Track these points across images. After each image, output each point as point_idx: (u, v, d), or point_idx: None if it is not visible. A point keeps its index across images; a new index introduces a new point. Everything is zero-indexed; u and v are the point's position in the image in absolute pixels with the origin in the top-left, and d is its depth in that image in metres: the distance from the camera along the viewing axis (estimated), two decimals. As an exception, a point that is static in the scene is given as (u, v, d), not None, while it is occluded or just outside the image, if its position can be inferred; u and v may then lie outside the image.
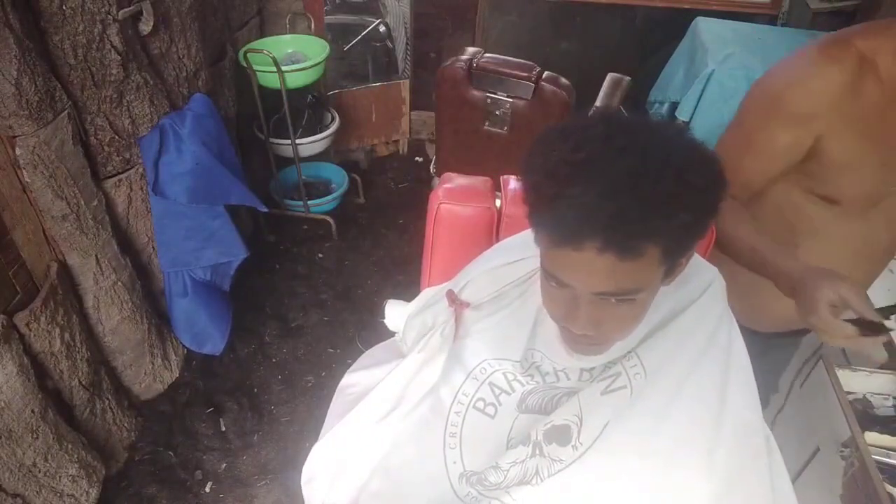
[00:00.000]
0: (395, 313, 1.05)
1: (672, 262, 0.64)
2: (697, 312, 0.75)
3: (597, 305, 0.64)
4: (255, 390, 1.97)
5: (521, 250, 0.82)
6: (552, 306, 0.70)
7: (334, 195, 2.59)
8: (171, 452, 1.77)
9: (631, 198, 0.55)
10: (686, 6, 2.63)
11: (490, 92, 1.96)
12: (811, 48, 0.87)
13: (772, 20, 2.62)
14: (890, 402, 1.22)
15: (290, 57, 2.28)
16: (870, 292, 1.23)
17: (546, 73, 1.93)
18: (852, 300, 0.73)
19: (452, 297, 0.85)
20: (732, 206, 0.96)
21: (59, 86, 1.33)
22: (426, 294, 0.99)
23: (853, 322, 0.73)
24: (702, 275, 0.77)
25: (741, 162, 0.94)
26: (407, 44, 2.88)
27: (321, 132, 2.40)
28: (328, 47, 2.29)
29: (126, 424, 1.73)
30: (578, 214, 0.57)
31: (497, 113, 1.99)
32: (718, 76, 2.05)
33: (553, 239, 0.61)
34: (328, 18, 2.73)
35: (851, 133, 0.86)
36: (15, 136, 1.25)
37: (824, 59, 0.85)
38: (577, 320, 0.65)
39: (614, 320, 0.66)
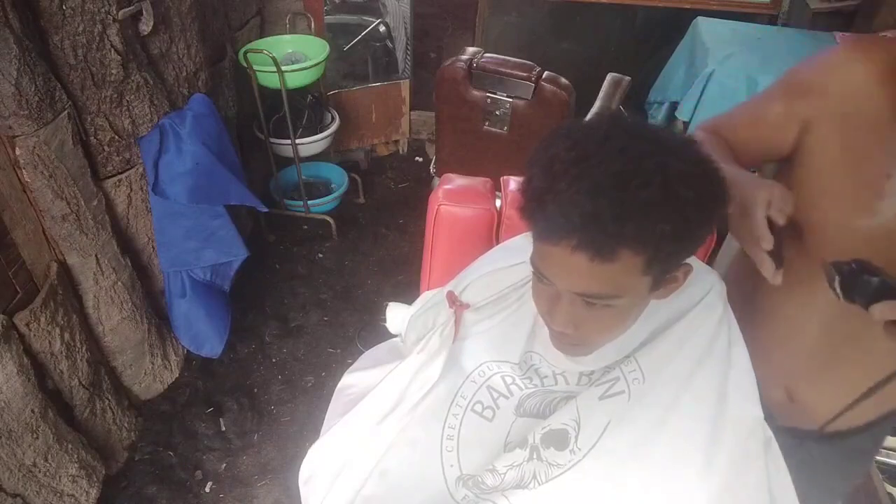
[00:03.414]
0: (397, 316, 1.05)
1: (658, 274, 0.63)
2: (697, 317, 0.75)
3: (576, 305, 0.64)
4: (255, 390, 1.97)
5: (520, 253, 0.82)
6: (537, 301, 0.71)
7: (334, 195, 2.59)
8: (171, 452, 1.77)
9: (610, 200, 0.55)
10: (686, 6, 2.63)
11: (490, 92, 1.96)
12: (848, 38, 0.83)
13: (772, 20, 2.62)
14: (890, 403, 1.22)
15: (290, 57, 2.28)
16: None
17: (546, 73, 1.93)
18: (780, 201, 0.70)
19: (452, 298, 0.85)
20: (713, 138, 0.90)
21: (59, 86, 1.33)
22: (426, 296, 0.99)
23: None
24: (701, 279, 0.77)
25: (732, 112, 0.92)
26: (407, 44, 2.87)
27: (321, 132, 2.39)
28: (328, 47, 2.29)
29: (126, 424, 1.73)
30: (558, 210, 0.57)
31: (497, 113, 1.99)
32: (718, 76, 2.05)
33: (536, 233, 0.62)
34: (328, 18, 2.73)
35: (839, 135, 0.77)
36: (15, 136, 1.25)
37: (851, 47, 0.79)
38: (556, 317, 0.66)
39: (593, 323, 0.66)
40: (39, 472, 1.40)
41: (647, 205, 0.55)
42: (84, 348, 1.52)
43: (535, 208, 0.60)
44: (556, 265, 0.62)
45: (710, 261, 1.02)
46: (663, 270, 0.63)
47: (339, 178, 2.70)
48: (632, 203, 0.55)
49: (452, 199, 1.06)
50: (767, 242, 0.67)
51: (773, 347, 0.90)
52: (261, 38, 2.38)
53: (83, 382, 1.53)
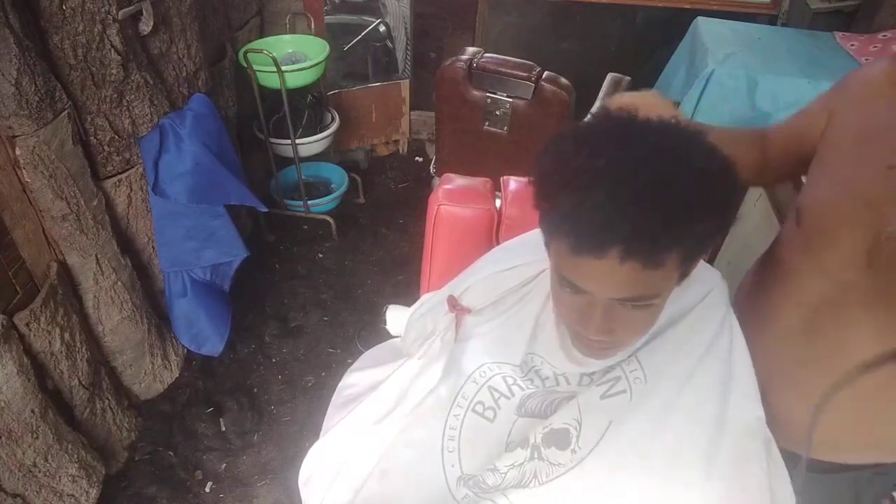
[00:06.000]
0: (397, 318, 1.05)
1: (688, 269, 0.65)
2: (699, 316, 0.75)
3: (613, 310, 0.63)
4: (255, 390, 1.97)
5: (519, 255, 0.82)
6: (565, 311, 0.69)
7: (334, 195, 2.59)
8: (171, 452, 1.77)
9: (654, 207, 0.55)
10: (686, 6, 2.63)
11: (490, 92, 1.96)
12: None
13: (772, 20, 2.62)
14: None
15: (290, 57, 2.28)
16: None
17: (546, 73, 1.93)
18: None
19: (453, 303, 0.85)
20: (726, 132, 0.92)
21: (59, 86, 1.33)
22: (426, 298, 0.99)
23: None
24: (704, 279, 0.77)
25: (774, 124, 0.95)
26: (407, 44, 2.88)
27: (321, 132, 2.39)
28: (328, 47, 2.29)
29: (126, 424, 1.73)
30: (601, 223, 0.56)
31: (497, 113, 1.99)
32: (718, 76, 2.05)
33: (573, 247, 0.60)
34: (328, 18, 2.73)
35: (853, 126, 0.78)
36: (15, 136, 1.25)
37: (887, 61, 0.80)
38: (591, 326, 0.65)
39: (628, 324, 0.66)
40: (39, 472, 1.40)
41: (689, 206, 0.56)
42: (84, 348, 1.52)
43: (571, 224, 0.59)
44: (599, 277, 0.60)
45: (710, 261, 1.02)
46: (693, 265, 0.65)
47: (339, 178, 2.70)
48: (675, 207, 0.56)
49: (452, 199, 1.06)
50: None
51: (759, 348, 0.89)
52: (261, 38, 2.38)
53: (83, 382, 1.53)
